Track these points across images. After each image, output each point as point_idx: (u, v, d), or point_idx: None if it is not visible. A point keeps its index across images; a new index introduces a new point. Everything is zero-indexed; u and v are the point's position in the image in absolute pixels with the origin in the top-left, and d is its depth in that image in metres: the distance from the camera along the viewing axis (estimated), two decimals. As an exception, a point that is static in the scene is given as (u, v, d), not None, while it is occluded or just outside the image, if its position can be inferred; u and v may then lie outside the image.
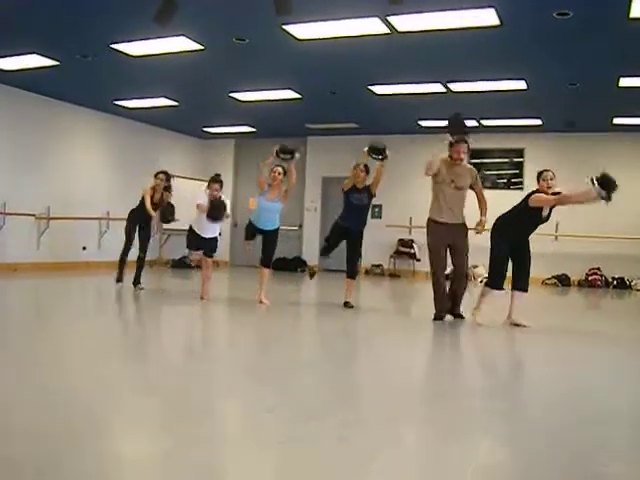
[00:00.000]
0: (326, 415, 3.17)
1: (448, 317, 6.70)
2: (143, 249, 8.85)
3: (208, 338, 5.90)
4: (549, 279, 12.83)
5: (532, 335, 5.96)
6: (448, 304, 6.71)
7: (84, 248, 12.31)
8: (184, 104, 11.89)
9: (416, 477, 2.45)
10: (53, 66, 9.26)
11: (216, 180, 7.80)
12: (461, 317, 6.75)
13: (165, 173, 8.90)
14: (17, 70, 9.56)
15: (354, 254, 7.73)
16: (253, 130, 14.53)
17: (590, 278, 12.68)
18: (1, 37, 8.12)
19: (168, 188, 8.85)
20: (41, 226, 11.56)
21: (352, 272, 7.70)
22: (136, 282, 8.69)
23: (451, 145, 6.77)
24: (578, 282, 12.82)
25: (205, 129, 14.82)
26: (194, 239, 7.92)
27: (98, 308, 7.59)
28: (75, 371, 4.00)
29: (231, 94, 10.93)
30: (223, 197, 7.78)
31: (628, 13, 6.35)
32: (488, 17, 6.71)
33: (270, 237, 7.68)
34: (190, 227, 7.96)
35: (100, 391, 3.54)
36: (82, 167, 12.41)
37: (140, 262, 8.79)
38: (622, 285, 12.48)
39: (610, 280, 12.63)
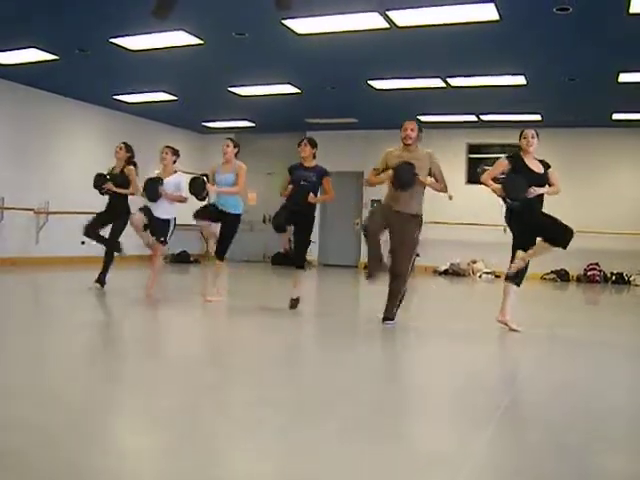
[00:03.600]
0: (324, 412, 3.18)
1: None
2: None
3: (201, 337, 5.90)
4: (548, 274, 12.84)
5: (530, 332, 5.96)
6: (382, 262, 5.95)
7: (83, 243, 12.29)
8: (183, 99, 11.88)
9: (413, 471, 2.46)
10: (52, 60, 9.25)
11: (167, 146, 7.46)
12: (389, 319, 5.87)
13: (124, 143, 7.88)
14: (16, 64, 9.54)
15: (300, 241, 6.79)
16: (252, 125, 14.52)
17: (589, 273, 12.69)
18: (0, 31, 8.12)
19: (134, 164, 7.79)
20: (40, 220, 11.57)
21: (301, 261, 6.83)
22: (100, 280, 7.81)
23: (401, 126, 6.01)
24: (577, 277, 12.83)
25: (204, 124, 14.81)
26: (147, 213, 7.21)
27: (93, 304, 7.58)
28: (70, 367, 4.01)
29: (230, 89, 10.92)
30: (178, 173, 7.32)
31: (628, 8, 6.35)
32: (487, 12, 6.71)
33: (229, 222, 7.00)
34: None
35: (96, 387, 3.55)
36: (81, 161, 12.39)
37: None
38: (621, 280, 12.49)
39: (609, 275, 12.64)
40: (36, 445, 2.49)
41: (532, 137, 5.79)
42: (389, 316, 5.88)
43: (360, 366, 4.44)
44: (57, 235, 11.69)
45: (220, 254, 7.11)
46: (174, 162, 7.46)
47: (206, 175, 6.91)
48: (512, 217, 5.87)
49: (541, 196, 5.74)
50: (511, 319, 5.78)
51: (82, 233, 7.64)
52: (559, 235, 5.61)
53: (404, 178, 5.77)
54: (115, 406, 3.16)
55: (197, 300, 7.18)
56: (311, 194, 6.57)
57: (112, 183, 7.61)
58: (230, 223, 6.99)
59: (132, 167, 7.70)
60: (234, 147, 7.13)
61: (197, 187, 6.82)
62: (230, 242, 7.10)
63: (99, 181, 7.68)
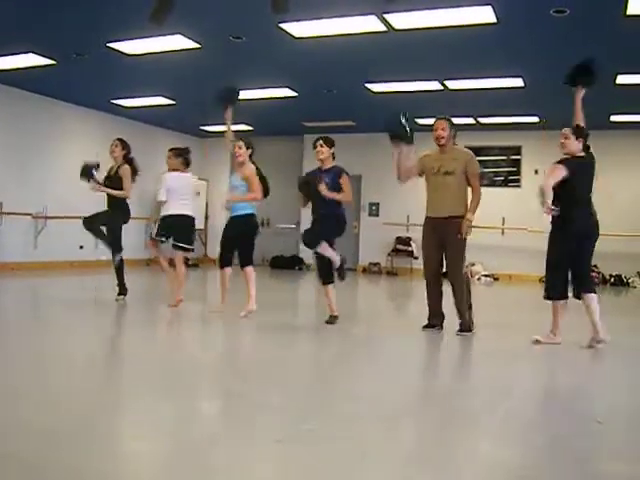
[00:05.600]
0: (323, 414, 3.17)
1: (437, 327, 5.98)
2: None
3: (205, 342, 5.89)
4: (546, 276, 12.80)
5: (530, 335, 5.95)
6: (440, 311, 5.99)
7: (81, 247, 12.29)
8: (181, 103, 11.88)
9: (414, 475, 2.45)
10: (50, 65, 9.24)
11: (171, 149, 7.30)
12: (466, 331, 5.78)
13: (120, 140, 7.51)
14: (13, 69, 9.54)
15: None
16: (250, 129, 14.51)
17: (588, 275, 12.67)
18: (-3, 36, 8.12)
19: (131, 160, 7.46)
20: (38, 225, 11.55)
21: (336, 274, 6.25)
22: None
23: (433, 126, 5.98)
24: (576, 279, 12.81)
25: (202, 128, 14.80)
26: (161, 223, 7.01)
27: (97, 310, 7.57)
28: (76, 372, 4.01)
29: (228, 92, 10.91)
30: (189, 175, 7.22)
31: (625, 10, 6.35)
32: (485, 15, 6.71)
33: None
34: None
35: (99, 391, 3.53)
36: (79, 166, 12.35)
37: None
38: (619, 282, 12.50)
39: (607, 277, 12.64)
40: (38, 448, 2.48)
41: (565, 138, 5.30)
42: (464, 328, 5.79)
43: (374, 367, 4.43)
44: (55, 240, 11.68)
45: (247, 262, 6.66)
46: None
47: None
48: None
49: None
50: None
51: (83, 225, 7.23)
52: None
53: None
54: (118, 410, 3.15)
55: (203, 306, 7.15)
56: (322, 185, 5.99)
57: (108, 184, 7.27)
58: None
59: (127, 166, 7.31)
60: (247, 148, 6.56)
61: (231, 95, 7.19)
62: (252, 249, 6.76)
63: (88, 171, 7.17)
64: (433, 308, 5.99)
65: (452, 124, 5.95)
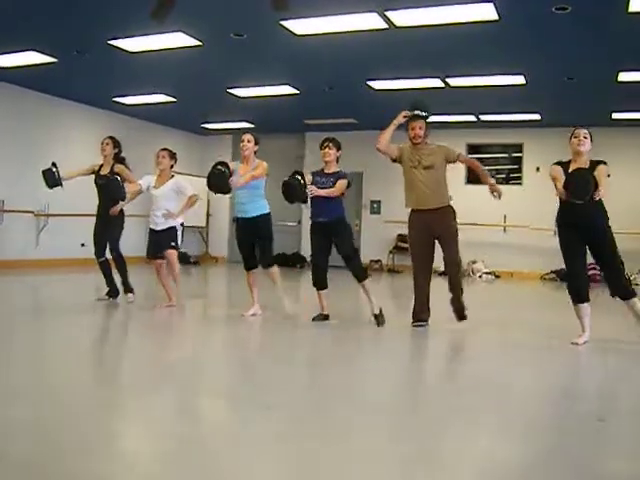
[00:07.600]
0: (323, 412, 3.17)
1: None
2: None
3: (203, 341, 5.89)
4: (548, 274, 12.81)
5: (531, 334, 5.95)
6: (428, 306, 6.02)
7: (83, 245, 12.28)
8: (182, 100, 11.87)
9: (414, 473, 2.44)
10: (51, 63, 9.24)
11: (164, 149, 7.02)
12: (463, 318, 5.87)
13: (111, 138, 7.31)
14: (15, 67, 9.54)
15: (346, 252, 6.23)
16: (252, 126, 14.51)
17: (589, 273, 12.57)
18: (-2, 34, 8.12)
19: (122, 159, 7.29)
20: (40, 223, 11.56)
21: (358, 273, 6.28)
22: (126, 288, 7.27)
23: (407, 125, 6.00)
24: (577, 277, 12.78)
25: (203, 125, 14.80)
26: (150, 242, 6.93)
27: (92, 308, 7.57)
28: (73, 369, 4.01)
29: (229, 90, 10.91)
30: (175, 177, 6.92)
31: (627, 7, 6.34)
32: (486, 12, 6.70)
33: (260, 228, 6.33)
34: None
35: (97, 390, 3.54)
36: (80, 163, 12.28)
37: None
38: (621, 280, 12.47)
39: (609, 275, 12.62)
40: (37, 447, 2.48)
41: (584, 137, 5.26)
42: (461, 307, 5.87)
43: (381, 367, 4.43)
44: (57, 237, 11.69)
45: (268, 262, 6.63)
46: (171, 167, 6.99)
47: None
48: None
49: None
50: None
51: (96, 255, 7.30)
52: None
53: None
54: (116, 409, 3.15)
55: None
56: (312, 187, 5.94)
57: (105, 190, 7.13)
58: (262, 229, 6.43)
59: (121, 165, 7.15)
60: (255, 143, 6.29)
61: (220, 180, 5.88)
62: (272, 248, 6.61)
63: (51, 176, 6.93)
64: (423, 303, 6.01)
65: (427, 123, 6.04)
